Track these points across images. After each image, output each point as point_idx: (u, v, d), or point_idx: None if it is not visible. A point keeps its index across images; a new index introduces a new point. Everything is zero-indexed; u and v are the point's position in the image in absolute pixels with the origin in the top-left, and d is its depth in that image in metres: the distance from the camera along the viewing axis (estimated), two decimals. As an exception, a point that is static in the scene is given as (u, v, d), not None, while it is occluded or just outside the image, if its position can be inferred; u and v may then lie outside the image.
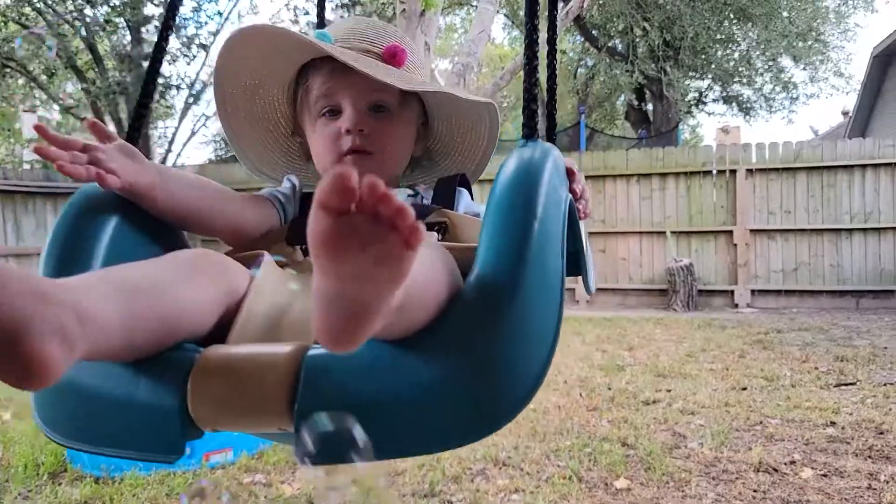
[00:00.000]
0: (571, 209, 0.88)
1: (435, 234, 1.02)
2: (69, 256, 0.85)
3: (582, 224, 1.00)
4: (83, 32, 13.70)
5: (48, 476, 3.09)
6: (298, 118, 1.18)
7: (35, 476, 3.06)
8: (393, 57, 1.09)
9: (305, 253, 1.02)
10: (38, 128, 0.88)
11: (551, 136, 1.06)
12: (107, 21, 13.12)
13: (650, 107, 18.13)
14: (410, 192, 1.18)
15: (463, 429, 0.69)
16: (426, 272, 0.67)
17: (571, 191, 0.92)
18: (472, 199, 1.19)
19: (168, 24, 1.09)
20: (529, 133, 0.90)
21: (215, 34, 16.22)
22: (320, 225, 0.49)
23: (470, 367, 0.69)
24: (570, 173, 0.93)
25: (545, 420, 3.78)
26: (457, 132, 1.22)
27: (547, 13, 1.14)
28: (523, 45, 0.95)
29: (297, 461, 0.71)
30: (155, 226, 0.97)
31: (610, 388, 4.49)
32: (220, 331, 0.80)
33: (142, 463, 3.02)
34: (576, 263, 0.99)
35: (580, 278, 1.06)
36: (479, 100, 1.15)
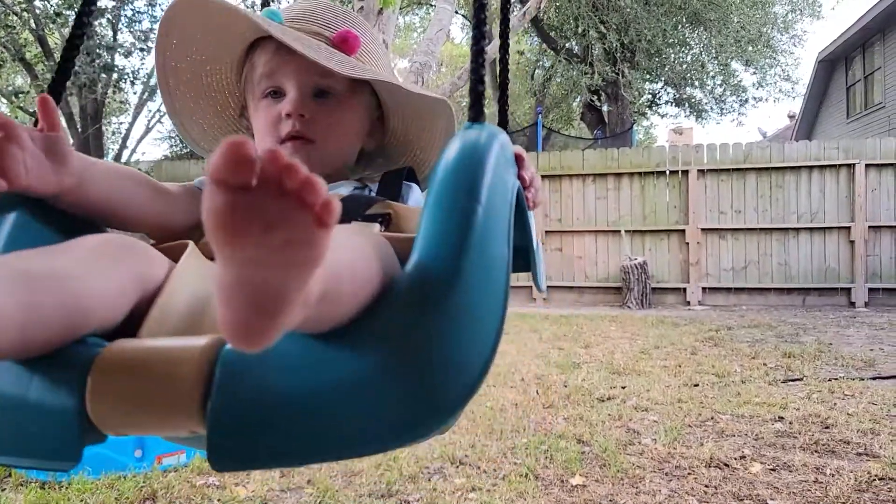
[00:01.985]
0: (520, 198, 0.82)
1: (377, 224, 0.95)
2: None
3: (532, 217, 0.94)
4: (32, 24, 13.25)
5: (-9, 482, 2.98)
6: (245, 98, 1.13)
7: (-23, 482, 2.95)
8: (343, 42, 1.05)
9: None
10: None
11: (503, 125, 0.97)
12: (57, 14, 12.69)
13: (606, 108, 18.37)
14: (358, 184, 1.11)
15: (403, 425, 0.63)
16: (354, 257, 0.61)
17: (520, 178, 0.85)
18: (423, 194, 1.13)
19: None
20: (475, 116, 0.82)
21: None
22: (214, 203, 0.41)
23: (405, 360, 0.63)
24: (518, 159, 0.86)
25: (502, 418, 3.79)
26: (412, 129, 1.16)
27: (500, 6, 1.08)
28: (471, 26, 0.90)
29: (211, 467, 0.61)
30: (67, 220, 0.87)
31: (566, 386, 4.53)
32: (133, 324, 0.72)
33: (91, 466, 2.93)
34: (525, 258, 0.93)
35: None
36: (430, 95, 1.10)
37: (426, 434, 0.64)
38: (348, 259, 0.60)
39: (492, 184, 0.73)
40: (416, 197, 1.11)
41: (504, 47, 1.06)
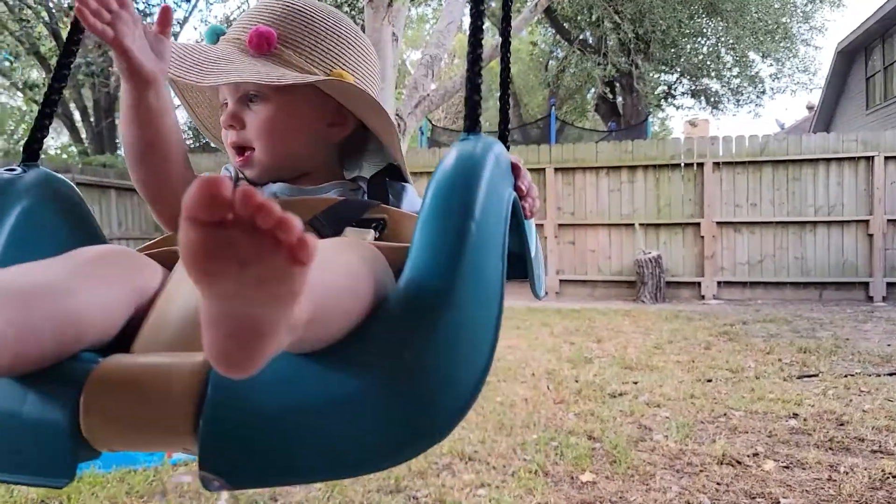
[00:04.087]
0: (516, 208, 0.82)
1: (372, 231, 0.93)
2: None
3: (531, 224, 0.93)
4: (46, 18, 13.34)
5: (3, 475, 3.00)
6: None
7: (-11, 475, 2.97)
8: (251, 44, 1.00)
9: None
10: None
11: (503, 133, 0.96)
12: (71, 7, 12.76)
13: (620, 99, 18.24)
14: (352, 185, 1.08)
15: (394, 445, 0.63)
16: (345, 278, 0.63)
17: (516, 188, 0.84)
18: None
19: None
20: (471, 126, 0.82)
21: (183, 22, 15.96)
22: (189, 239, 0.41)
23: (397, 379, 0.62)
24: (514, 169, 0.85)
25: (512, 413, 3.78)
26: (371, 116, 1.07)
27: (503, 6, 1.06)
28: (468, 33, 0.89)
29: (202, 486, 0.61)
30: (73, 218, 0.95)
31: (577, 381, 4.51)
32: (129, 337, 0.74)
33: (101, 460, 2.95)
34: (521, 266, 0.94)
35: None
36: (309, 78, 0.98)
37: (417, 453, 0.63)
38: (339, 281, 0.61)
39: (486, 198, 0.72)
40: (410, 198, 1.08)
41: (505, 46, 1.03)
